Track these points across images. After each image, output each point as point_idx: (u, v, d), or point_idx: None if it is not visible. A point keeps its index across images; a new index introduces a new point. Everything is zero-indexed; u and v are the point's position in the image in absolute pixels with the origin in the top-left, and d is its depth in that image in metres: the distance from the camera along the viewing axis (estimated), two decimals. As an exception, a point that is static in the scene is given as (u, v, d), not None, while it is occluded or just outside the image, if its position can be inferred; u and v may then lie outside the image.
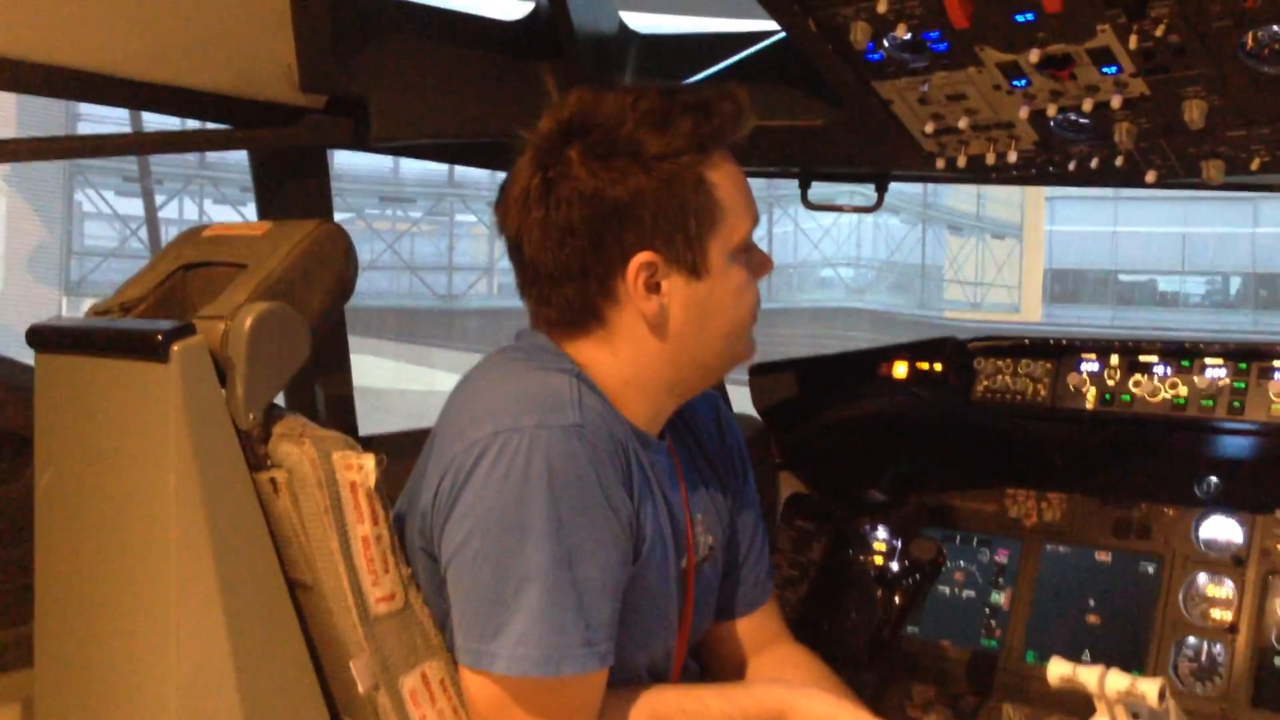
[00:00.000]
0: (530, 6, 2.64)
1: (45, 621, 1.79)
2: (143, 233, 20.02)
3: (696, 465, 1.94)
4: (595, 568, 1.60)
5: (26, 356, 1.87)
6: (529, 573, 1.55)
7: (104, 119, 16.49)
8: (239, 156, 2.52)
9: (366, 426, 2.63)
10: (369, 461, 1.58)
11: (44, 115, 15.62)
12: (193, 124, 2.39)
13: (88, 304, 1.83)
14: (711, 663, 2.08)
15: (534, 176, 1.68)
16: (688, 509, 1.85)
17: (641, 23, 2.77)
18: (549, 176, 1.66)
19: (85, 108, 16.60)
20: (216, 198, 21.62)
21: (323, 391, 2.56)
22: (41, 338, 1.74)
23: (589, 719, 1.65)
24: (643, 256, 1.65)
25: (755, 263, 1.78)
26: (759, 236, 1.80)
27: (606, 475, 1.61)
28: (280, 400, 1.65)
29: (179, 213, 21.46)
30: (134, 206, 20.25)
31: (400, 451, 1.80)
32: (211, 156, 20.06)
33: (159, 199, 20.25)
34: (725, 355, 1.78)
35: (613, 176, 1.63)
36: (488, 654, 1.57)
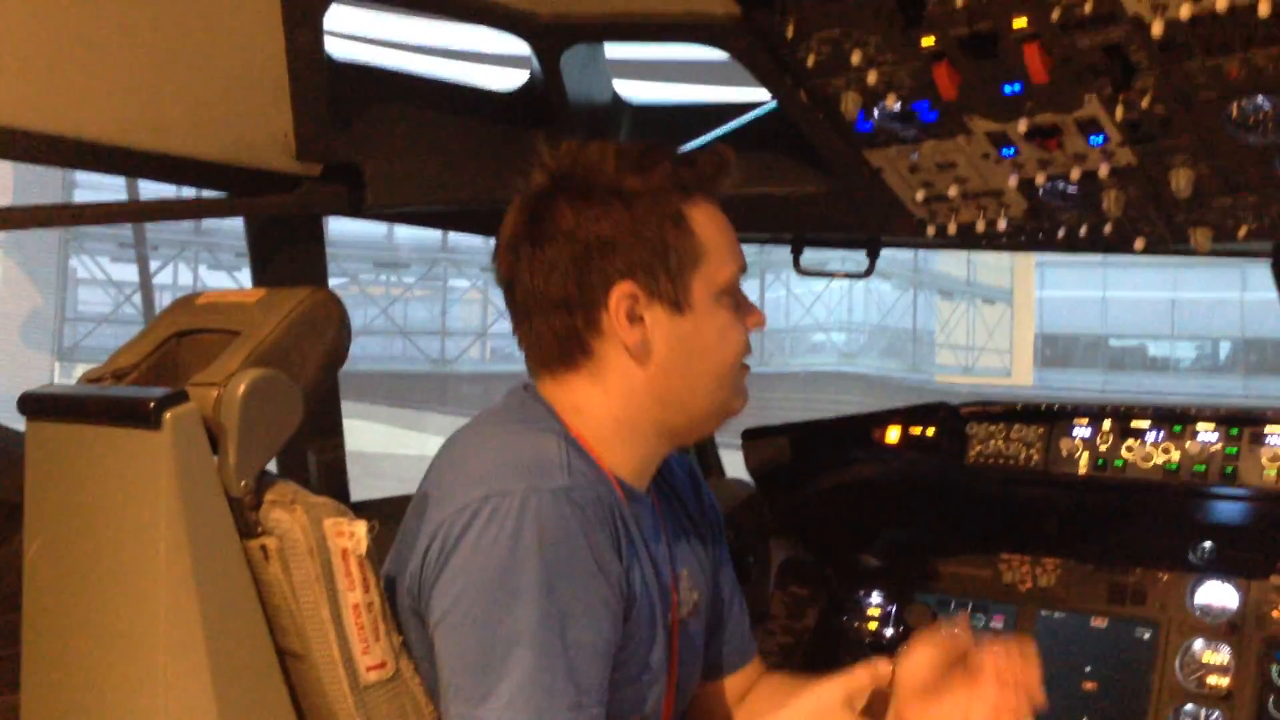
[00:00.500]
0: (525, 76, 2.67)
1: (33, 690, 1.76)
2: (137, 298, 20.05)
3: (680, 521, 1.94)
4: (585, 631, 1.59)
5: (17, 422, 1.86)
6: (517, 637, 1.55)
7: (100, 185, 16.57)
8: (234, 222, 2.53)
9: (359, 492, 2.62)
10: (360, 528, 1.57)
11: (40, 182, 15.71)
12: (189, 191, 2.40)
13: (81, 370, 1.82)
14: None
15: (522, 219, 1.75)
16: (672, 564, 1.85)
17: (635, 92, 2.80)
18: (536, 216, 1.73)
19: (81, 174, 16.70)
20: (211, 263, 21.66)
21: (315, 457, 2.55)
22: (33, 405, 1.74)
23: None
24: (624, 287, 1.69)
25: (745, 312, 1.80)
26: (750, 300, 1.82)
27: (596, 538, 1.61)
28: (273, 466, 1.64)
29: (173, 278, 21.48)
30: (129, 272, 20.27)
31: (393, 517, 1.78)
32: (207, 222, 20.15)
33: (154, 264, 20.30)
34: (713, 400, 1.78)
35: (595, 213, 1.70)
36: (476, 719, 1.55)
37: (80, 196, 17.93)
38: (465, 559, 1.58)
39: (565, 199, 1.71)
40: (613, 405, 1.74)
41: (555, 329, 1.73)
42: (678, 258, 1.71)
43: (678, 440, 1.84)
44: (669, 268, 1.70)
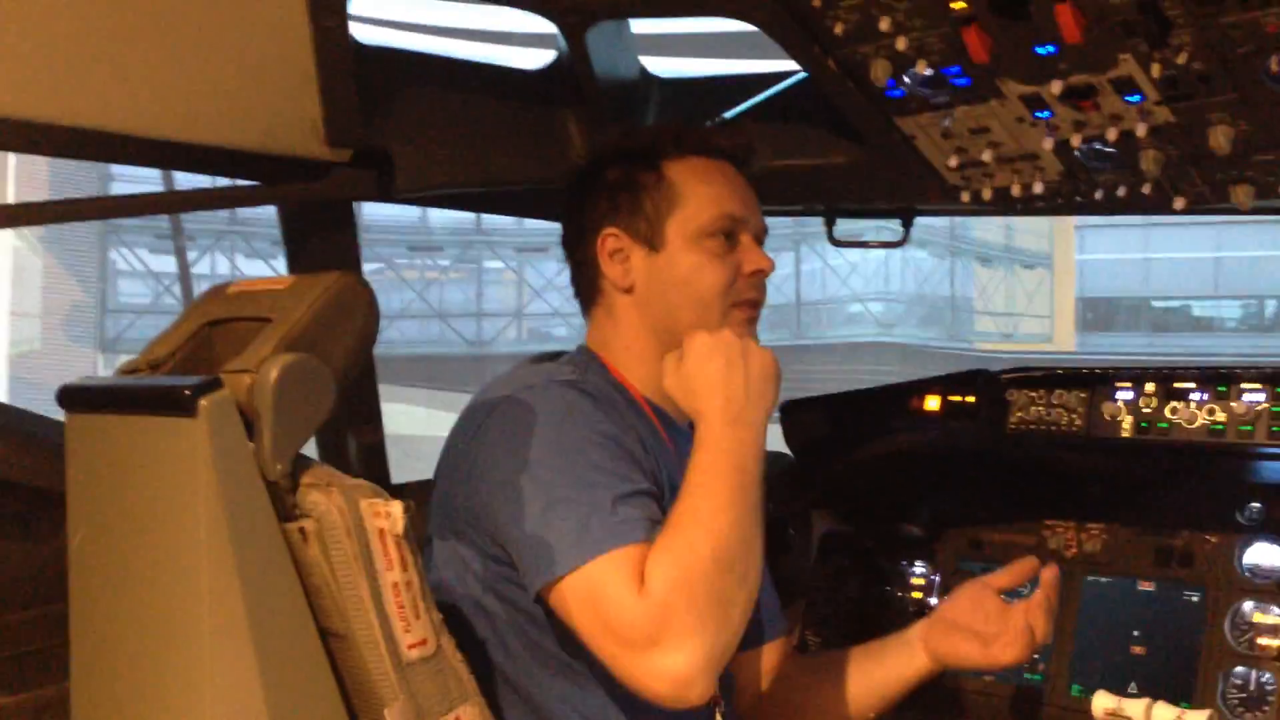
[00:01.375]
0: (552, 54, 2.66)
1: (81, 678, 1.79)
2: (176, 289, 20.23)
3: None
4: (626, 466, 1.75)
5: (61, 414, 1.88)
6: (570, 482, 1.70)
7: (136, 178, 16.69)
8: (269, 210, 2.56)
9: (401, 474, 2.63)
10: (396, 508, 1.58)
11: (76, 176, 15.87)
12: (222, 181, 2.41)
13: (123, 361, 1.84)
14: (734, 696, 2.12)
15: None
16: None
17: (663, 67, 2.79)
18: (569, 199, 2.09)
19: (118, 167, 16.84)
20: (248, 252, 21.80)
21: (355, 441, 2.57)
22: (71, 397, 1.75)
23: None
24: (607, 231, 1.99)
25: (742, 256, 1.98)
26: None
27: (612, 419, 1.82)
28: (313, 452, 1.65)
29: (211, 268, 21.64)
30: (168, 263, 20.46)
31: (433, 498, 1.80)
32: (242, 212, 20.21)
33: (191, 255, 20.45)
34: (702, 325, 1.91)
35: (596, 178, 2.04)
36: (560, 560, 1.65)
37: (117, 188, 18.10)
38: (503, 444, 1.78)
39: (583, 177, 2.07)
40: (623, 335, 2.01)
41: (578, 276, 2.07)
42: (654, 204, 1.97)
43: None
44: (646, 213, 1.97)
